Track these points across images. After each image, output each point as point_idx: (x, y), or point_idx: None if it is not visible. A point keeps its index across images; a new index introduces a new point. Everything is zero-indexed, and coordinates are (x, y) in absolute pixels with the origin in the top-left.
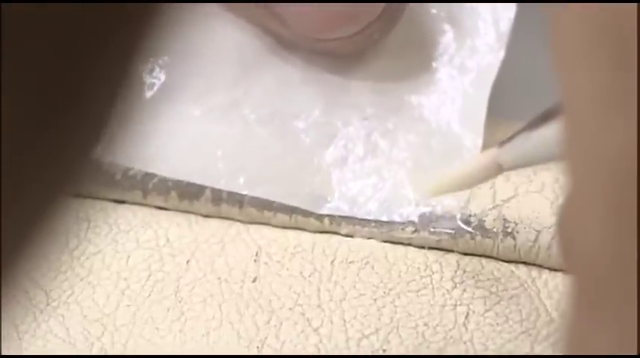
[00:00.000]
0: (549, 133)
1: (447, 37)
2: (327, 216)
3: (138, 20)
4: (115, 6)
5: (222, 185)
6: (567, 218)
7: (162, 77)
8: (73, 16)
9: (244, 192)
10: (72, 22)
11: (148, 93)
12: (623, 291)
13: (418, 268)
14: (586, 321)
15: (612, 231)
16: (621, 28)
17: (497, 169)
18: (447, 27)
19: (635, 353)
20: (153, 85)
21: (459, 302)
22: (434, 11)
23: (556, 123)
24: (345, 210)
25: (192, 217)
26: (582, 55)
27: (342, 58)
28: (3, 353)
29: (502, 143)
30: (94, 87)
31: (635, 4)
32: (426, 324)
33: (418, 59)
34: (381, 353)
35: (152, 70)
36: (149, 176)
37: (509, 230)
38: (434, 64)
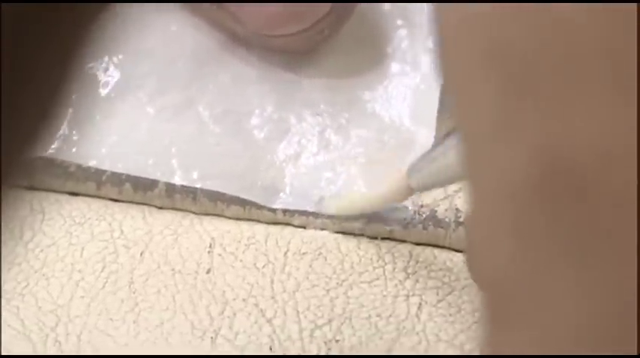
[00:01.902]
0: (453, 155)
1: (400, 33)
2: (281, 208)
3: (78, 18)
4: (59, 4)
5: (176, 180)
6: (473, 237)
7: (117, 75)
8: (11, 11)
9: (198, 186)
10: (10, 18)
11: (103, 92)
12: (529, 301)
13: (371, 259)
14: (499, 327)
15: (515, 249)
16: (514, 47)
17: (409, 191)
18: (399, 22)
19: (546, 352)
20: (107, 83)
21: (411, 293)
22: (387, 7)
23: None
24: (297, 203)
25: (146, 209)
26: (473, 78)
27: (295, 55)
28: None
29: (411, 166)
30: (33, 84)
31: (525, 22)
32: (378, 315)
33: (371, 55)
34: (334, 343)
35: (107, 69)
36: (103, 168)
37: (461, 219)
38: (386, 60)
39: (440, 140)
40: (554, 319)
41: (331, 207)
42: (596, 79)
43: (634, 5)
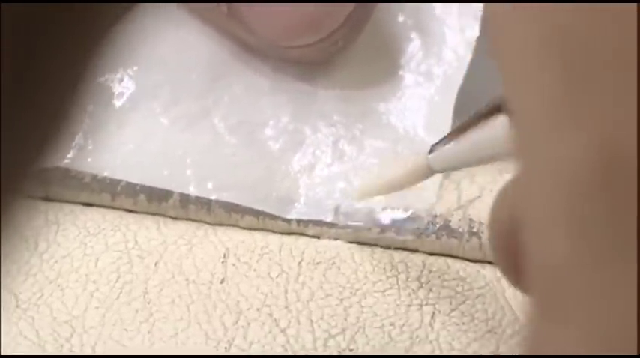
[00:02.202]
0: (478, 137)
1: (414, 45)
2: (296, 218)
3: (97, 27)
4: (71, 12)
5: (191, 191)
6: (526, 231)
7: (132, 87)
8: (28, 17)
9: (212, 197)
10: (21, 31)
11: (117, 103)
12: (586, 296)
13: (384, 268)
14: (551, 324)
15: (572, 242)
16: (573, 34)
17: (428, 172)
18: (413, 35)
19: (606, 351)
20: (122, 94)
21: (424, 302)
22: (401, 19)
23: (484, 127)
24: (312, 214)
25: (161, 219)
26: (531, 65)
27: (309, 66)
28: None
29: (433, 146)
30: (44, 95)
31: (586, 9)
32: (392, 324)
33: (385, 66)
34: (347, 352)
35: (121, 80)
36: (118, 179)
37: (474, 230)
38: (400, 72)
39: (463, 123)
40: (610, 315)
41: (353, 198)
42: None
43: None
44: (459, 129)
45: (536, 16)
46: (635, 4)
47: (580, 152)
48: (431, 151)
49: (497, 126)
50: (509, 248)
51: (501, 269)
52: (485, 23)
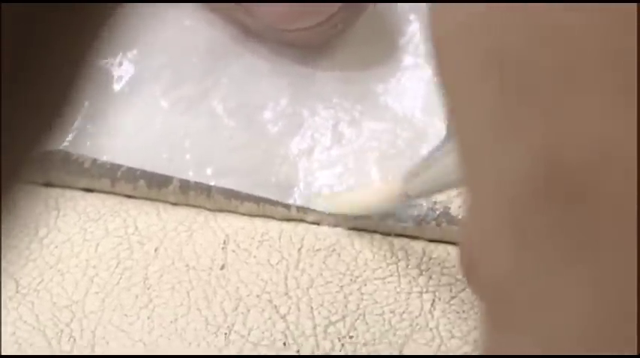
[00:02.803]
0: (450, 162)
1: (413, 27)
2: (294, 204)
3: (89, 17)
4: (65, 4)
5: (190, 176)
6: (471, 241)
7: (132, 70)
8: (22, 11)
9: (212, 183)
10: (21, 18)
11: (117, 87)
12: (532, 303)
13: (384, 255)
14: (501, 331)
15: (516, 252)
16: (509, 53)
17: (404, 198)
18: (412, 17)
19: (549, 353)
20: (121, 78)
21: (425, 289)
22: (399, 1)
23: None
24: (311, 200)
25: (161, 205)
26: (472, 84)
27: (308, 48)
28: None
29: (408, 173)
30: (44, 81)
31: (519, 29)
32: (392, 311)
33: (383, 48)
34: (347, 339)
35: (121, 64)
36: (117, 165)
37: None
38: (399, 53)
39: (435, 148)
40: (557, 320)
41: (319, 205)
42: (597, 81)
43: (633, 6)
44: (430, 155)
45: (477, 34)
46: (571, 19)
47: (520, 163)
48: (406, 179)
49: None
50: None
51: (468, 283)
52: (430, 46)
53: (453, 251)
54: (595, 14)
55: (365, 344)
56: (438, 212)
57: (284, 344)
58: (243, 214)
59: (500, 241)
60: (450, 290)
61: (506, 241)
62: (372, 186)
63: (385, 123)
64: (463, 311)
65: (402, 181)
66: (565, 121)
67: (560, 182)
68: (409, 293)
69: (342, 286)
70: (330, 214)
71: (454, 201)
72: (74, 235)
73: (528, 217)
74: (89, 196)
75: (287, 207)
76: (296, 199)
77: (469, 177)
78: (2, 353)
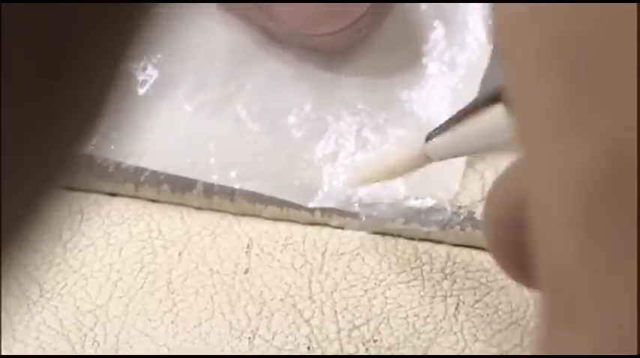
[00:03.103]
0: (475, 126)
1: (437, 33)
2: (318, 208)
3: (129, 18)
4: (105, 8)
5: (214, 179)
6: (535, 236)
7: (155, 74)
8: (64, 11)
9: (236, 186)
10: (62, 17)
11: (141, 90)
12: (596, 297)
13: (408, 259)
14: (562, 325)
15: (582, 245)
16: (576, 43)
17: (424, 160)
18: (436, 23)
19: (614, 352)
20: (145, 82)
21: (449, 293)
22: (424, 7)
23: (482, 116)
24: (335, 203)
25: (185, 209)
26: (537, 73)
27: (332, 54)
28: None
29: (430, 134)
30: (83, 82)
31: (589, 17)
32: (416, 315)
33: (408, 55)
34: (372, 343)
35: (145, 68)
36: (141, 169)
37: None
38: (424, 60)
39: (459, 112)
40: (619, 316)
41: (350, 183)
42: None
43: None
44: (456, 118)
45: (542, 25)
46: (634, 11)
47: (587, 156)
48: (428, 139)
49: (495, 116)
50: (507, 239)
51: (498, 260)
52: (493, 32)
53: (477, 255)
54: None
55: (389, 348)
56: (462, 216)
57: (308, 348)
58: (267, 218)
59: (565, 230)
60: (474, 294)
61: (571, 231)
62: (392, 151)
63: (410, 130)
64: (487, 315)
65: (422, 143)
66: (631, 114)
67: (630, 173)
68: (433, 297)
69: (366, 290)
70: (353, 216)
71: (478, 206)
72: (98, 239)
73: (593, 208)
74: (113, 200)
75: (311, 211)
76: (320, 202)
77: (531, 161)
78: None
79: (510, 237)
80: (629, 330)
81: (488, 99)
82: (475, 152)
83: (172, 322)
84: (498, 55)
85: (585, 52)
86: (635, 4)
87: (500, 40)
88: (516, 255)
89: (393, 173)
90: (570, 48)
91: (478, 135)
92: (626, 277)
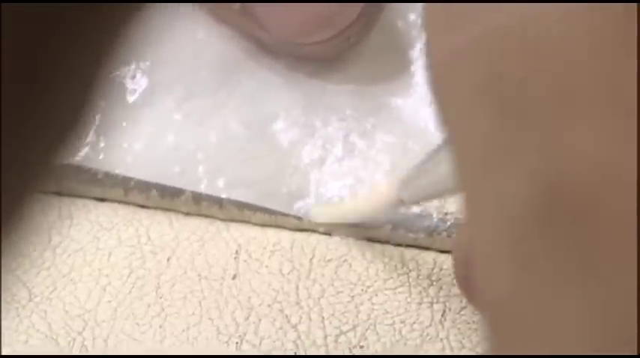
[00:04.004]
0: (445, 169)
1: (424, 42)
2: (306, 216)
3: (114, 22)
4: (85, 8)
5: (202, 188)
6: (468, 258)
7: (145, 83)
8: (46, 12)
9: (223, 196)
10: (45, 19)
11: (130, 99)
12: (534, 322)
13: (395, 266)
14: (504, 349)
15: (517, 272)
16: (507, 74)
17: (399, 203)
18: (424, 32)
19: None
20: (134, 90)
21: (435, 300)
22: (412, 16)
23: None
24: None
25: (173, 215)
26: (466, 112)
27: (321, 62)
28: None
29: (403, 178)
30: (65, 86)
31: (517, 55)
32: (402, 321)
33: (396, 63)
34: (358, 349)
35: (134, 76)
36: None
37: None
38: (412, 68)
39: (431, 153)
40: (558, 338)
41: (319, 215)
42: (594, 102)
43: (630, 18)
44: (426, 162)
45: (469, 64)
46: (564, 42)
47: (520, 186)
48: (401, 185)
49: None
50: (468, 281)
51: (466, 298)
52: (428, 70)
53: None
54: (589, 32)
55: (375, 354)
56: (449, 223)
57: (295, 353)
58: (255, 224)
59: (501, 262)
60: (461, 301)
61: (506, 262)
62: (366, 194)
63: (397, 136)
64: (473, 322)
65: (396, 188)
66: (564, 144)
67: (560, 205)
68: (420, 303)
69: (353, 296)
70: (332, 224)
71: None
72: (87, 244)
73: (528, 239)
74: (102, 205)
75: (298, 217)
76: (303, 210)
77: (468, 199)
78: (3, 354)
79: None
80: (566, 349)
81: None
82: (447, 194)
83: (160, 326)
84: (432, 94)
85: (512, 87)
86: (554, 42)
87: (434, 81)
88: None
89: (365, 215)
90: (495, 85)
91: (447, 179)
92: (560, 304)
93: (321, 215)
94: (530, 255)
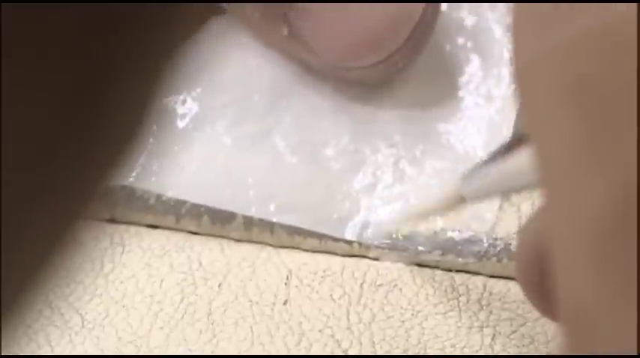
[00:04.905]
0: (507, 167)
1: (473, 66)
2: (356, 240)
3: (164, 53)
4: (139, 35)
5: (253, 212)
6: (556, 271)
7: (195, 108)
8: (96, 41)
9: (274, 220)
10: (94, 47)
11: (181, 124)
12: (615, 333)
13: (445, 290)
14: (579, 353)
15: (599, 282)
16: (592, 83)
17: (460, 201)
18: (472, 56)
19: None
20: (185, 115)
21: (485, 324)
22: (460, 40)
23: (513, 157)
24: (373, 236)
25: (225, 241)
26: (552, 114)
27: (369, 86)
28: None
29: (464, 176)
30: (118, 111)
31: (606, 57)
32: (453, 346)
33: (444, 88)
34: None
35: (185, 101)
36: (182, 201)
37: None
38: (460, 93)
39: (493, 152)
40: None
41: (386, 235)
42: None
43: None
44: (489, 159)
45: (558, 66)
46: None
47: (603, 194)
48: (463, 180)
49: (524, 157)
50: (534, 278)
51: (526, 295)
52: (514, 75)
53: (513, 286)
54: None
55: None
56: (498, 248)
57: None
58: (306, 250)
59: (584, 269)
60: (511, 325)
61: (589, 269)
62: (429, 195)
63: (446, 162)
64: (523, 346)
65: (458, 185)
66: None
67: None
68: (470, 327)
69: (403, 321)
70: (391, 248)
71: (514, 238)
72: (139, 271)
73: (611, 245)
74: (154, 232)
75: (349, 242)
76: (358, 235)
77: (549, 201)
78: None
79: (537, 273)
80: None
81: (519, 139)
82: (509, 192)
83: (212, 352)
84: (518, 98)
85: (599, 92)
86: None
87: (519, 82)
88: (542, 290)
89: (431, 214)
90: (584, 88)
91: (510, 176)
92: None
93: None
94: (613, 264)
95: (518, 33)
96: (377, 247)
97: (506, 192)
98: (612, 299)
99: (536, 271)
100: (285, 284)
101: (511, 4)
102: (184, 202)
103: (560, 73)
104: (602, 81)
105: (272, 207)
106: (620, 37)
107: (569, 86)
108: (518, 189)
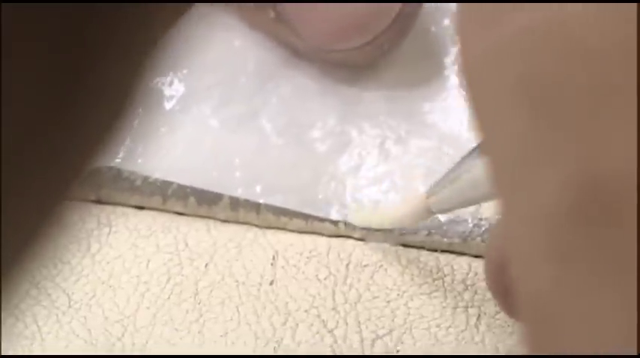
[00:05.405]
0: (473, 176)
1: (457, 47)
2: (342, 220)
3: (150, 34)
4: (124, 15)
5: (240, 193)
6: (503, 262)
7: (182, 89)
8: (79, 21)
9: (261, 201)
10: (77, 27)
11: (168, 105)
12: (574, 324)
13: (430, 271)
14: (543, 353)
15: (555, 273)
16: (539, 79)
17: (428, 213)
18: (457, 37)
19: None
20: (172, 97)
21: (470, 304)
22: (445, 22)
23: (479, 166)
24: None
25: (211, 222)
26: (501, 110)
27: (355, 68)
28: (3, 354)
29: (431, 188)
30: (102, 92)
31: (550, 54)
32: (438, 326)
33: (430, 68)
34: (394, 353)
35: (171, 83)
36: (168, 182)
37: None
38: (445, 73)
39: (458, 163)
40: (599, 337)
41: (356, 219)
42: (630, 102)
43: None
44: (453, 171)
45: (505, 63)
46: (597, 43)
47: (556, 187)
48: (429, 194)
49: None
50: (501, 282)
51: (495, 299)
52: (461, 74)
53: None
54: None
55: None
56: (483, 228)
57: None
58: (292, 231)
59: (538, 260)
60: (495, 305)
61: (543, 260)
62: (399, 203)
63: (431, 141)
64: (508, 326)
65: (425, 196)
66: (599, 144)
67: (596, 203)
68: (455, 307)
69: (389, 301)
70: (372, 230)
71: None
72: (126, 251)
73: (564, 238)
74: (140, 213)
75: (335, 223)
76: (341, 215)
77: (503, 200)
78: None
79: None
80: (608, 350)
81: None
82: (476, 202)
83: (199, 332)
84: (466, 96)
85: (546, 87)
86: (589, 40)
87: (468, 81)
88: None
89: (394, 224)
90: (531, 86)
91: (475, 185)
92: (598, 303)
93: (359, 219)
94: (567, 254)
95: (464, 32)
96: (362, 228)
97: (472, 201)
98: (570, 289)
99: (503, 275)
100: (272, 264)
101: (457, 5)
102: (171, 183)
103: (505, 70)
104: (546, 77)
105: (258, 188)
106: (557, 34)
107: (516, 83)
108: (485, 199)
